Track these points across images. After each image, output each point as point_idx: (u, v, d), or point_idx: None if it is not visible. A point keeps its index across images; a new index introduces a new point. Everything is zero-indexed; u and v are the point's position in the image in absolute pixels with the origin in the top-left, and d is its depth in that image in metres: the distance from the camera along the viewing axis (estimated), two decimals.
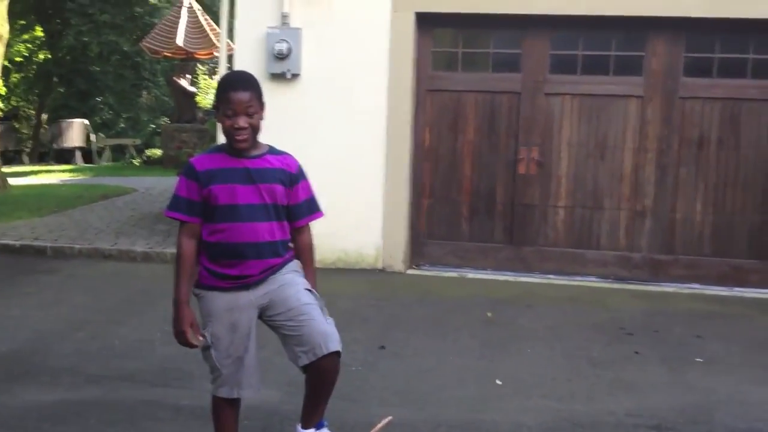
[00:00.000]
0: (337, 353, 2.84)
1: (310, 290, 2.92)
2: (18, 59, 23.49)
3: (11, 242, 7.89)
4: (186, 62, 17.76)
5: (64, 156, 21.11)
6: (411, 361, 4.68)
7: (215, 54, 16.38)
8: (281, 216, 2.90)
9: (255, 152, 2.88)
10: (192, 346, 2.85)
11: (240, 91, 2.79)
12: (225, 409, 2.96)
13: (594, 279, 7.11)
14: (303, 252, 3.00)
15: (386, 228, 7.20)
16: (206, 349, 2.87)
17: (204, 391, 4.07)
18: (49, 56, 23.71)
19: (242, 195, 2.82)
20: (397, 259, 7.20)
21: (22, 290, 6.31)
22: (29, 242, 7.90)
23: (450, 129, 7.33)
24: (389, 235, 7.21)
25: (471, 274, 7.18)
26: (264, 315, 2.90)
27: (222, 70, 8.00)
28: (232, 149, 2.84)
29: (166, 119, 21.89)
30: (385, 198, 7.18)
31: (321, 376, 2.87)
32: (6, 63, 18.20)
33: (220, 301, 2.86)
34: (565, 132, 7.18)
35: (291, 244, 2.98)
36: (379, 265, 7.21)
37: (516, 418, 3.82)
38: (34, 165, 20.20)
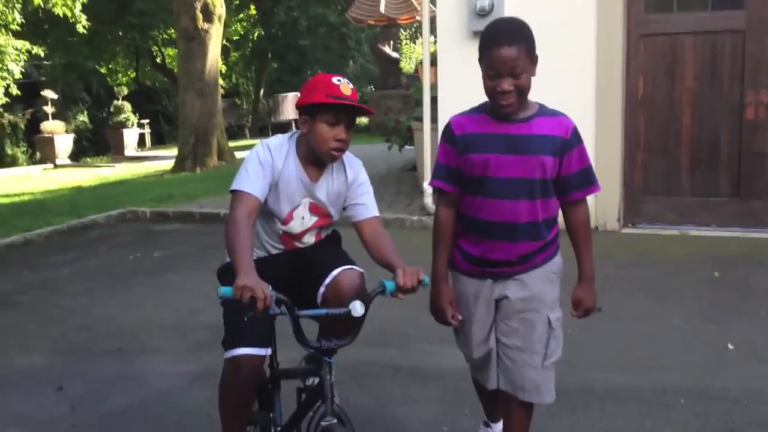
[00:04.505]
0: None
1: (550, 322, 2.49)
2: (235, 38, 25.12)
3: None
4: (388, 29, 18.08)
5: (282, 128, 22.42)
6: (630, 324, 4.49)
7: (417, 18, 16.53)
8: (547, 192, 2.47)
9: (522, 115, 2.44)
10: (449, 324, 2.58)
11: (504, 47, 2.30)
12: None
13: None
14: (577, 230, 2.56)
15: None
16: (456, 332, 2.67)
17: (422, 352, 4.18)
18: (263, 33, 25.12)
19: (501, 167, 2.41)
20: (610, 217, 6.90)
21: None
22: None
23: (666, 75, 6.86)
24: (601, 192, 6.89)
25: (693, 232, 6.72)
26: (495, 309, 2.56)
27: (425, 33, 8.03)
28: (495, 111, 2.45)
29: (371, 87, 22.50)
30: (596, 153, 6.86)
31: (507, 413, 2.61)
32: (225, 42, 19.53)
33: (465, 287, 2.58)
34: None
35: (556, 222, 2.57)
36: (591, 224, 6.94)
37: (750, 385, 3.54)
38: (255, 138, 21.66)
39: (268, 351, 2.59)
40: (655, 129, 6.94)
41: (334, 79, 2.54)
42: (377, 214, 2.71)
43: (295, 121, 22.12)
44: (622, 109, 6.88)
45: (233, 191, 2.53)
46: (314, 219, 2.73)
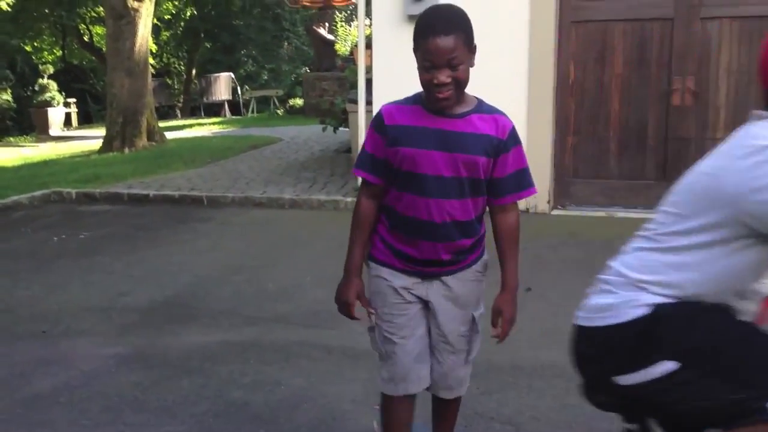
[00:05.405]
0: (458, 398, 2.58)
1: (474, 319, 2.45)
2: (167, 17, 24.52)
3: (171, 193, 8.36)
4: (324, 10, 17.94)
5: (213, 109, 22.06)
6: (559, 303, 4.57)
7: (352, 0, 16.45)
8: (478, 191, 2.32)
9: (458, 110, 2.27)
10: (354, 318, 2.47)
11: (440, 37, 2.13)
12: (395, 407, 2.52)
13: None
14: (504, 237, 2.39)
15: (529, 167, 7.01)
16: (371, 329, 2.50)
17: (354, 332, 4.17)
18: (195, 12, 24.59)
19: (431, 164, 2.24)
20: (541, 199, 7.02)
21: (181, 237, 6.68)
22: (186, 192, 8.34)
23: (596, 61, 6.99)
24: (532, 174, 7.00)
25: (620, 213, 6.89)
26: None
27: (361, 15, 7.98)
28: (430, 104, 2.28)
29: (306, 69, 22.31)
30: (527, 136, 6.96)
31: (440, 410, 2.64)
32: (156, 21, 19.05)
33: (390, 280, 2.40)
34: (724, 58, 6.68)
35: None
36: (522, 206, 7.04)
37: None
38: (186, 119, 21.26)
39: None
40: (585, 113, 7.08)
41: None
42: None
43: (228, 101, 21.76)
44: (553, 93, 6.99)
45: None
46: None
